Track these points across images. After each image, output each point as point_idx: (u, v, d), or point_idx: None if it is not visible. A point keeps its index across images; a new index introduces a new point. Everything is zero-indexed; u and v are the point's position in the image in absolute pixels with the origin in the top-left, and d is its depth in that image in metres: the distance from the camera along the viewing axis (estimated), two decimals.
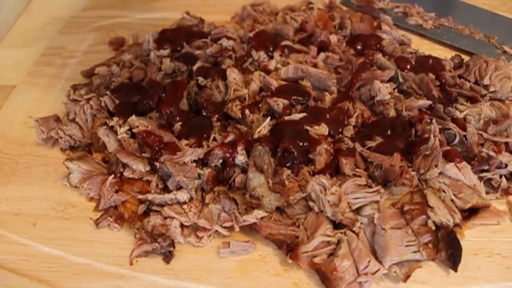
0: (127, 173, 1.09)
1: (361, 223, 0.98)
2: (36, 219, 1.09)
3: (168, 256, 0.99)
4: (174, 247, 1.00)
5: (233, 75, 1.29)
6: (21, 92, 1.44)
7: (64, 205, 1.11)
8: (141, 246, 0.99)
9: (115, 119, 1.21)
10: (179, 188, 1.06)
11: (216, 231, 1.01)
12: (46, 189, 1.15)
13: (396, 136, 1.14)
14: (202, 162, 1.10)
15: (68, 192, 1.14)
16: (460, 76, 1.31)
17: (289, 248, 0.96)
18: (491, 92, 1.25)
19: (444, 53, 1.47)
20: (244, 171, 1.09)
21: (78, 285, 0.96)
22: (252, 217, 1.00)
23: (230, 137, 1.12)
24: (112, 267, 0.98)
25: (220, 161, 1.10)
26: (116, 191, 1.07)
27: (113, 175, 1.09)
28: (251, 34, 1.50)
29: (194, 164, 1.08)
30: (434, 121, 1.13)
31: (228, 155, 1.09)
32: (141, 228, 1.02)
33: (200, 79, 1.30)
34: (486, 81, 1.26)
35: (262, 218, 1.01)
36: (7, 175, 1.19)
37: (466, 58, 1.38)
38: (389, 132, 1.15)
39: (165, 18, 1.71)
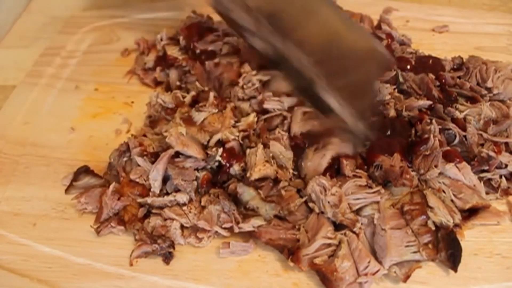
0: (133, 176, 1.07)
1: (361, 224, 0.98)
2: (36, 219, 1.09)
3: (168, 257, 0.99)
4: (174, 248, 1.00)
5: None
6: (21, 92, 1.44)
7: (64, 205, 1.11)
8: (141, 247, 0.99)
9: None
10: (177, 190, 1.05)
11: (216, 232, 1.01)
12: (46, 189, 1.15)
13: (396, 136, 1.14)
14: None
15: None
16: (460, 78, 1.31)
17: (290, 252, 0.96)
18: (495, 95, 1.24)
19: (444, 53, 1.46)
20: (240, 179, 1.07)
21: (78, 285, 0.96)
22: (249, 226, 0.99)
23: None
24: (112, 267, 0.98)
25: (216, 164, 1.09)
26: (118, 198, 1.05)
27: (114, 183, 1.07)
28: None
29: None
30: (434, 121, 1.13)
31: (225, 161, 1.08)
32: (141, 229, 1.02)
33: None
34: (489, 84, 1.24)
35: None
36: (7, 175, 1.19)
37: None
38: (389, 132, 1.15)
39: (165, 18, 1.70)
